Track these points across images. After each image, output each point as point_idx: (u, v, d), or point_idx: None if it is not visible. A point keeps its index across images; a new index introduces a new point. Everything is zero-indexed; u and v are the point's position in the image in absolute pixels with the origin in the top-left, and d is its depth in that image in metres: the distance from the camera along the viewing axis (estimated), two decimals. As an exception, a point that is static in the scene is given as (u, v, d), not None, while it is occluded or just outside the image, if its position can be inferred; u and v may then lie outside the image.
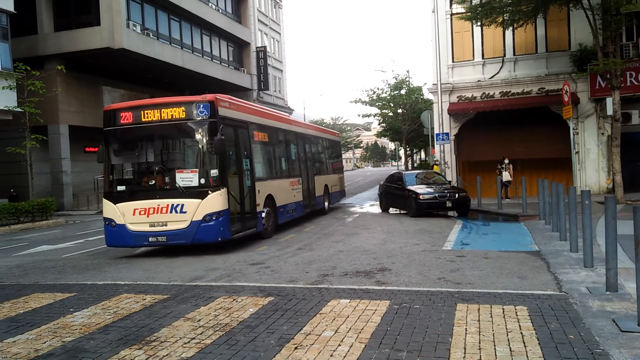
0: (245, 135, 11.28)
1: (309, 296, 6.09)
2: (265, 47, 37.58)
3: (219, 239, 9.68)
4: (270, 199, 12.14)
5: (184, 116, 9.87)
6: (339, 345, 4.38)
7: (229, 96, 11.00)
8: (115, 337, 4.87)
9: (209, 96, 9.91)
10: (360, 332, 4.68)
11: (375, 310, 5.39)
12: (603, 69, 15.98)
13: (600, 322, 4.69)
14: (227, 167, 10.05)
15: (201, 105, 9.79)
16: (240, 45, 35.42)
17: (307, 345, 4.40)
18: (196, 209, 9.52)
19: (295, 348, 4.35)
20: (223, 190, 9.69)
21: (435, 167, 20.55)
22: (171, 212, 9.63)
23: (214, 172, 9.79)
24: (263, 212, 11.58)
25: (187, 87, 28.50)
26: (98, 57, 22.93)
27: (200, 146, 9.99)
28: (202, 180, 9.75)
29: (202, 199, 9.55)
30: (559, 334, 4.43)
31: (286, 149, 14.63)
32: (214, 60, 31.18)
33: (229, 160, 10.29)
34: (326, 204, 17.89)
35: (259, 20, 38.47)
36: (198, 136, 9.98)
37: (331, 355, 4.15)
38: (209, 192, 9.61)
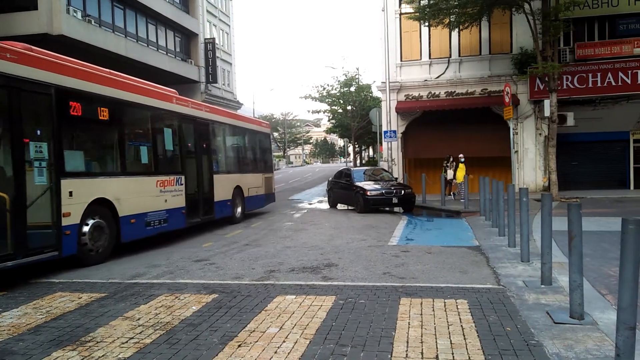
0: (44, 104, 7.47)
1: (255, 293, 6.01)
2: (214, 38, 36.82)
3: None
4: (104, 206, 8.52)
5: None
6: (284, 341, 4.34)
7: (7, 42, 7.27)
8: (47, 337, 4.60)
9: None
10: (305, 328, 4.66)
11: (321, 305, 5.38)
12: (542, 72, 16.74)
13: (536, 314, 4.89)
14: None
15: None
16: (187, 36, 34.55)
17: (251, 343, 4.33)
18: None
19: (239, 346, 4.27)
20: None
21: (460, 165, 18.53)
22: None
23: None
24: (82, 225, 7.95)
25: (132, 78, 27.53)
26: (34, 43, 21.35)
27: None
28: None
29: None
30: (496, 327, 4.58)
31: (153, 135, 10.33)
32: (159, 51, 30.27)
33: None
34: (238, 210, 14.21)
35: (207, 11, 37.63)
36: None
37: (275, 352, 4.10)
38: None
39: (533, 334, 4.36)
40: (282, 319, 4.94)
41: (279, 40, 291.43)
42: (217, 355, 4.07)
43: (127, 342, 4.42)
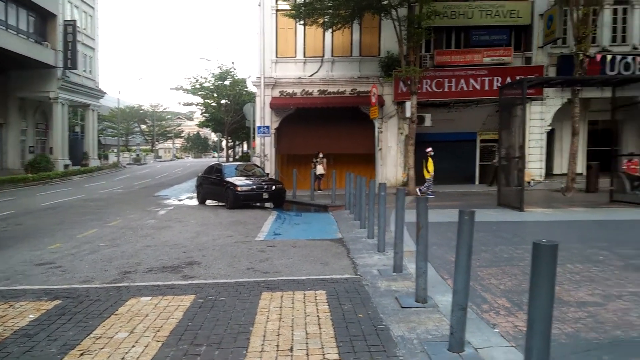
0: None
1: (105, 296, 5.58)
2: (75, 21, 33.70)
3: None
4: None
5: None
6: (133, 346, 4.09)
7: None
8: None
9: None
10: (158, 331, 4.44)
11: (179, 305, 5.17)
12: (405, 75, 17.89)
13: (386, 300, 5.18)
14: None
15: None
16: (43, 17, 31.19)
17: (95, 350, 4.00)
18: None
19: (82, 354, 3.93)
20: None
21: (430, 160, 17.34)
22: None
23: None
24: None
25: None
26: None
27: None
28: None
29: None
30: (350, 314, 4.77)
31: None
32: (9, 30, 26.96)
33: None
34: None
35: (66, -10, 34.34)
36: None
37: (122, 358, 3.84)
38: None
39: (382, 319, 4.61)
40: (134, 323, 4.65)
41: (149, 28, 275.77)
42: (53, 366, 3.70)
43: (-59, 360, 3.83)
